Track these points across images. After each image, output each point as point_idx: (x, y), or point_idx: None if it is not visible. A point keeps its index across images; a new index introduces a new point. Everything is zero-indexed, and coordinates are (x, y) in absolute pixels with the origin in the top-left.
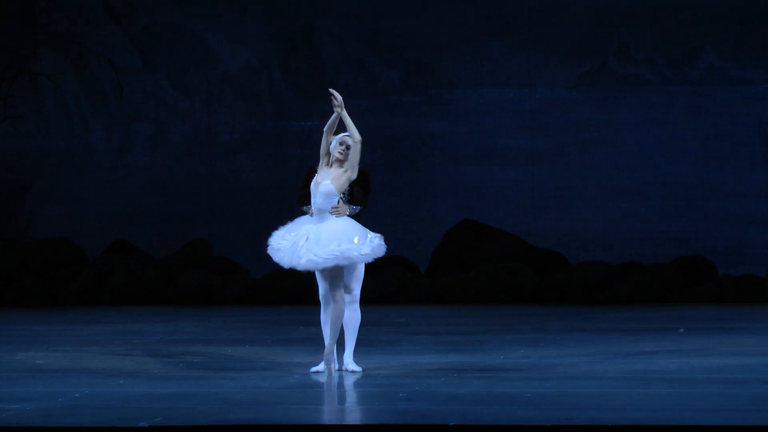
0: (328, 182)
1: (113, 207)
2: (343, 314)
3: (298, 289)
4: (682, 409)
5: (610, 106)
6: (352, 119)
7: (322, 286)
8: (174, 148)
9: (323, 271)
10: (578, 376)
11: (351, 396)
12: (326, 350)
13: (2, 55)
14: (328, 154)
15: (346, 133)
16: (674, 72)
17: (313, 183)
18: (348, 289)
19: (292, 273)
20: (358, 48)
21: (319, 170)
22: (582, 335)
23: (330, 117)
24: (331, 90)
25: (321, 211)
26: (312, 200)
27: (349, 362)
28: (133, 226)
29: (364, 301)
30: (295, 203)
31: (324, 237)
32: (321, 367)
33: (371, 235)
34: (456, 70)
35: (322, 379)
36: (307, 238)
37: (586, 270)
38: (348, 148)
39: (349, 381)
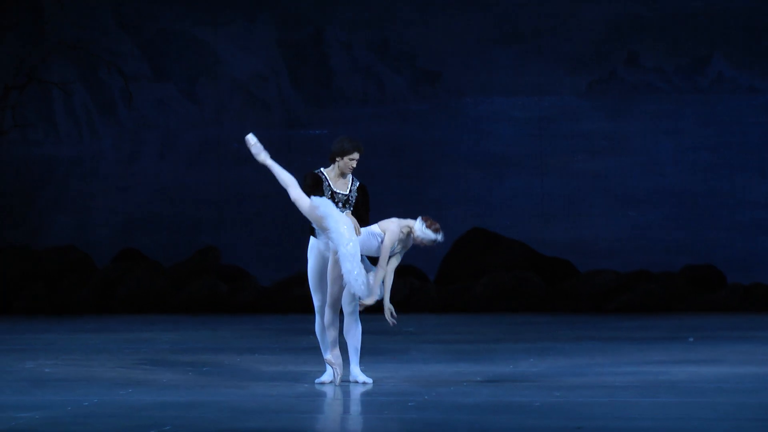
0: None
1: (122, 215)
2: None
3: (307, 297)
4: (691, 419)
5: (619, 114)
6: (361, 126)
7: (318, 298)
8: (183, 156)
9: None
10: (587, 385)
11: (360, 405)
12: (334, 356)
13: (12, 63)
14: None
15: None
16: (683, 80)
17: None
18: (351, 300)
19: (301, 280)
20: (366, 56)
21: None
22: (591, 344)
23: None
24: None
25: None
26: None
27: (359, 373)
28: (142, 233)
29: (374, 309)
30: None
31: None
32: (326, 377)
33: None
34: (465, 78)
35: (331, 387)
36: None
37: (594, 278)
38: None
39: (357, 390)
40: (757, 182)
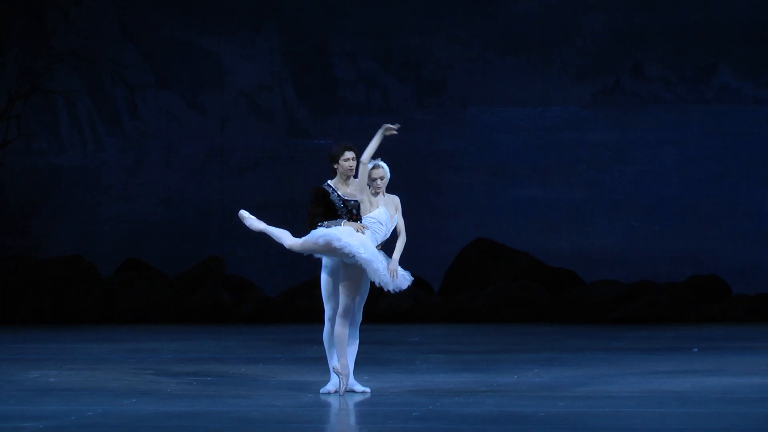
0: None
1: (126, 224)
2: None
3: (312, 308)
4: (695, 429)
5: (623, 125)
6: (365, 135)
7: (331, 307)
8: (187, 166)
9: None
10: (591, 396)
11: (364, 415)
12: (341, 365)
13: (16, 73)
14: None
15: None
16: (688, 90)
17: (385, 212)
18: (357, 309)
19: (306, 291)
20: (371, 66)
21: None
22: (595, 354)
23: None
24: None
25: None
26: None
27: (355, 382)
28: (146, 243)
29: (380, 319)
30: (309, 221)
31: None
32: (331, 386)
33: None
34: (469, 88)
35: (335, 397)
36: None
37: (599, 288)
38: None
39: (362, 400)
40: (761, 193)
